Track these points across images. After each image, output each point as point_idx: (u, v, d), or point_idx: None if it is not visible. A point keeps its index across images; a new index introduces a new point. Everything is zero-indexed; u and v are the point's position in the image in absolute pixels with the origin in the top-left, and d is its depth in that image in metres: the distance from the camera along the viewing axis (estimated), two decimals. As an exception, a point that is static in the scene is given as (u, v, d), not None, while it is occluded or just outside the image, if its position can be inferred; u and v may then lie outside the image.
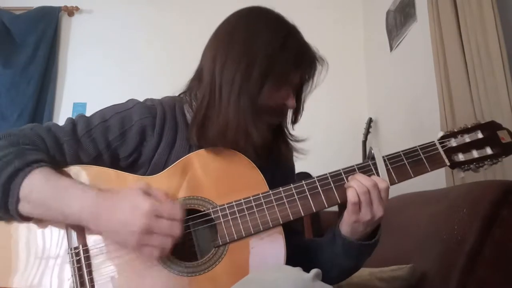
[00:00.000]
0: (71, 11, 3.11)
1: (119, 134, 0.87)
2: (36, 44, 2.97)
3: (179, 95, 0.99)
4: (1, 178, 0.74)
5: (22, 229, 0.80)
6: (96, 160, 0.86)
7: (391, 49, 2.50)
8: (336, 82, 2.87)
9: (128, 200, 0.73)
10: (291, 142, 0.98)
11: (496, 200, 0.98)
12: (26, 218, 0.78)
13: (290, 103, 0.90)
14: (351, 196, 0.81)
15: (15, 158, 0.75)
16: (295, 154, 1.00)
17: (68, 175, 0.81)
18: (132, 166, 0.89)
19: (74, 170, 0.83)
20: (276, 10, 0.95)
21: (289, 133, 0.98)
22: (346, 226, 0.85)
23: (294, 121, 0.98)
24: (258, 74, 0.84)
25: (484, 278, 0.95)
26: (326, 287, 0.67)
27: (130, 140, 0.87)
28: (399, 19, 2.37)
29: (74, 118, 0.89)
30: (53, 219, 0.78)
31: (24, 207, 0.75)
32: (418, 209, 1.34)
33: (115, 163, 0.87)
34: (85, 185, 0.77)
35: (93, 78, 3.00)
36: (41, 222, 0.80)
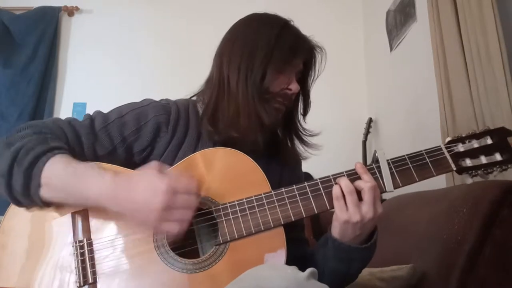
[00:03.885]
0: (71, 11, 3.11)
1: (135, 129, 0.91)
2: (36, 44, 2.98)
3: (191, 97, 1.03)
4: (24, 164, 0.76)
5: (29, 221, 0.82)
6: (112, 154, 0.89)
7: (391, 49, 2.50)
8: (336, 82, 2.87)
9: (145, 181, 0.75)
10: (304, 136, 1.02)
11: (496, 200, 0.98)
12: (47, 204, 0.80)
13: (293, 86, 0.94)
14: (335, 191, 0.82)
15: (37, 144, 0.78)
16: (309, 150, 1.03)
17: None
18: (145, 161, 0.91)
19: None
20: (276, 10, 1.00)
21: (302, 128, 1.03)
22: (336, 228, 0.84)
23: (304, 113, 1.04)
24: (260, 62, 0.91)
25: (484, 278, 0.95)
26: (320, 286, 0.67)
27: (145, 135, 0.91)
28: (399, 19, 2.37)
29: (92, 114, 0.93)
30: (74, 203, 0.80)
31: (46, 192, 0.77)
32: (418, 209, 1.34)
33: (129, 158, 0.91)
34: (102, 169, 0.79)
35: (93, 78, 3.01)
36: (48, 214, 0.82)
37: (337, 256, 0.85)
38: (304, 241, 1.04)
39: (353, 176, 0.84)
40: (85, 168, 0.78)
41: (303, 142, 1.03)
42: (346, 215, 0.80)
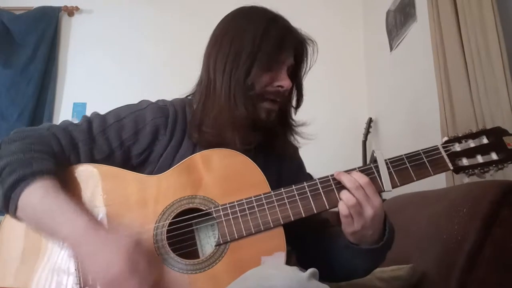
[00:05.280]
0: (71, 11, 3.11)
1: (133, 133, 0.90)
2: (36, 44, 2.98)
3: (187, 97, 1.02)
4: (5, 184, 0.76)
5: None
6: (109, 157, 0.88)
7: (391, 49, 2.50)
8: (336, 82, 2.87)
9: (111, 250, 0.72)
10: (294, 128, 1.01)
11: (496, 200, 0.98)
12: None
13: (285, 82, 0.92)
14: (342, 209, 0.81)
15: (21, 166, 0.77)
16: (301, 140, 1.03)
17: (69, 184, 0.83)
18: (143, 164, 0.91)
19: (80, 169, 0.86)
20: (276, 10, 0.98)
21: (292, 120, 1.02)
22: (350, 237, 0.85)
23: (297, 105, 1.03)
24: (245, 60, 0.89)
25: (484, 278, 0.95)
26: (321, 286, 0.67)
27: (143, 139, 0.90)
28: (399, 19, 2.37)
29: (89, 116, 0.92)
30: (42, 232, 0.80)
31: (21, 215, 0.78)
32: (418, 209, 1.34)
33: (127, 161, 0.90)
34: (78, 212, 0.76)
35: (93, 78, 3.01)
36: None
37: (364, 259, 0.87)
38: (326, 222, 1.03)
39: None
40: (61, 204, 0.76)
41: (295, 133, 1.02)
42: (353, 227, 0.82)
